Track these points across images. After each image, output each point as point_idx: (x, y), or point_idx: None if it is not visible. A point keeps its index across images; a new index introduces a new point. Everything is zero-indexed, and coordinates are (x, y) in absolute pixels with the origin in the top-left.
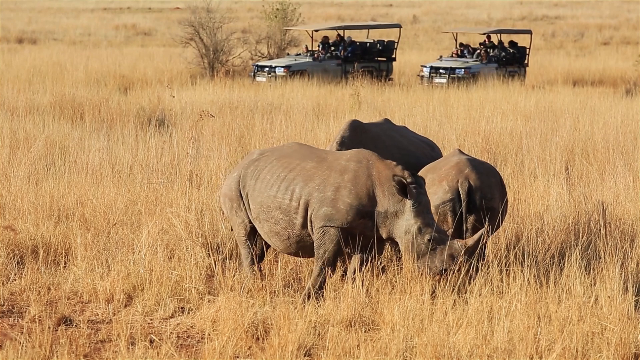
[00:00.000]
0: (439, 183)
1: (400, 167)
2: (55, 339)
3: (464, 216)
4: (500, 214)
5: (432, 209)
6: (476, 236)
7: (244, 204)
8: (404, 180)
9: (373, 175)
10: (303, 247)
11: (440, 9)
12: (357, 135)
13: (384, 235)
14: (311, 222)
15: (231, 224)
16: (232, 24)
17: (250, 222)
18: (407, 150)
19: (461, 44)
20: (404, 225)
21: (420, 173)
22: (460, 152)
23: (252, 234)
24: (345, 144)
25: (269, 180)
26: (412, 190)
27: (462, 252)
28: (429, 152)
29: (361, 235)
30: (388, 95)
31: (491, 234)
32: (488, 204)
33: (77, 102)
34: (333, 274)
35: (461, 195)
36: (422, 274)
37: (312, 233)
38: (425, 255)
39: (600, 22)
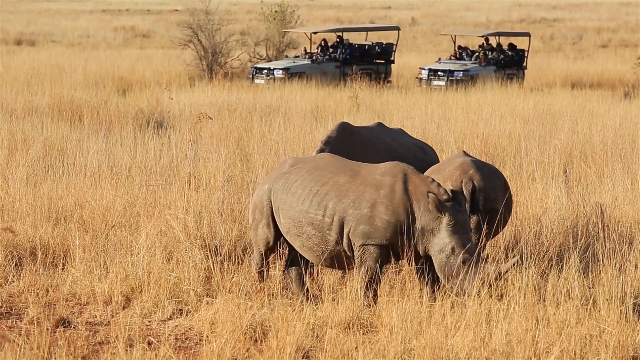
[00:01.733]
0: (443, 183)
1: (436, 183)
2: (53, 340)
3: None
4: (502, 216)
5: None
6: (510, 262)
7: (272, 218)
8: (439, 198)
9: (409, 190)
10: (339, 262)
11: (439, 11)
12: (345, 137)
13: (421, 252)
14: (348, 239)
15: (252, 234)
16: (230, 26)
17: (274, 239)
18: (398, 154)
19: (460, 47)
20: (439, 243)
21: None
22: (465, 153)
23: (272, 247)
24: (330, 144)
25: (301, 194)
26: (447, 207)
27: (495, 277)
28: (421, 155)
29: (400, 251)
30: (386, 97)
31: (493, 236)
32: (491, 205)
33: (76, 104)
34: (379, 287)
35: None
36: (452, 292)
37: (348, 249)
38: (458, 277)
39: (598, 25)
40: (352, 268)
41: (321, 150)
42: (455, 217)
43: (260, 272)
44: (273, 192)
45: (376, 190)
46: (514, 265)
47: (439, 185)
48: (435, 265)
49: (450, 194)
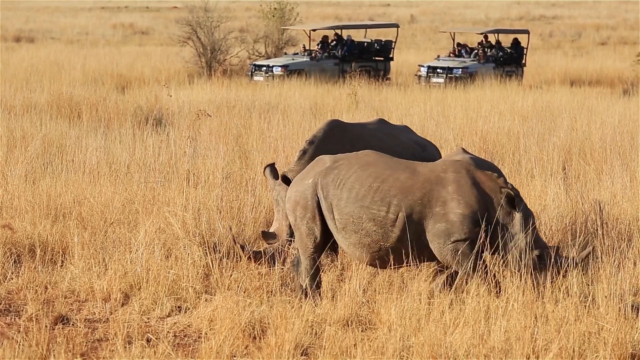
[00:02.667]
0: None
1: (502, 178)
2: (52, 337)
3: None
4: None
5: None
6: (585, 252)
7: (320, 213)
8: (512, 193)
9: (477, 184)
10: (393, 258)
11: (438, 8)
12: (332, 136)
13: (491, 247)
14: (417, 236)
15: (297, 233)
16: (229, 23)
17: (321, 233)
18: (392, 152)
19: (459, 44)
20: (512, 238)
21: None
22: (464, 151)
23: (321, 246)
24: (314, 143)
25: (359, 190)
26: (520, 203)
27: (572, 268)
28: (419, 153)
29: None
30: (385, 94)
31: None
32: None
33: (75, 101)
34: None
35: None
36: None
37: (415, 246)
38: (533, 271)
39: (597, 22)
40: (398, 266)
41: (304, 150)
42: (527, 212)
43: (316, 291)
44: (322, 187)
45: (443, 187)
46: (588, 255)
47: (505, 180)
48: (504, 260)
49: (514, 188)
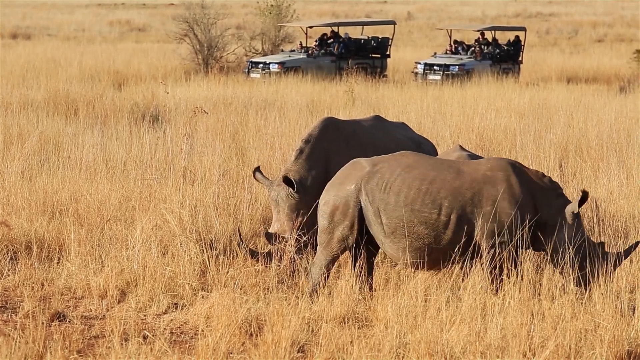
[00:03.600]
0: None
1: (548, 177)
2: (48, 334)
3: None
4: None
5: None
6: (631, 248)
7: (360, 222)
8: (587, 192)
9: (525, 184)
10: (442, 261)
11: (435, 5)
12: (327, 134)
13: (536, 247)
14: (469, 237)
15: (325, 235)
16: (226, 20)
17: (353, 241)
18: (386, 149)
19: (455, 41)
20: (563, 238)
21: None
22: (461, 148)
23: (343, 252)
24: (310, 141)
25: (407, 193)
26: (569, 202)
27: (618, 264)
28: (413, 150)
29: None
30: (382, 92)
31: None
32: None
33: (71, 98)
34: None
35: None
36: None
37: (467, 247)
38: (583, 269)
39: (594, 20)
40: (446, 266)
41: (301, 150)
42: (576, 211)
43: (315, 290)
44: (366, 192)
45: (493, 186)
46: (633, 249)
47: (551, 179)
48: (556, 260)
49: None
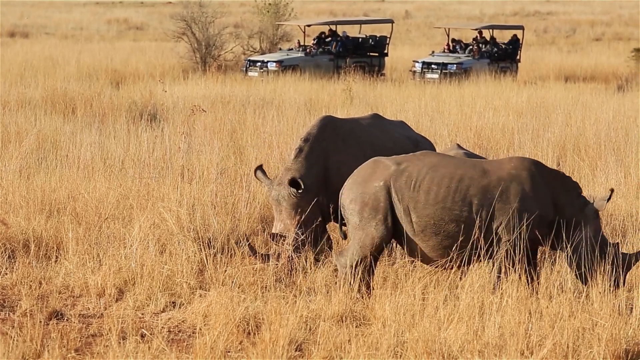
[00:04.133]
0: None
1: (569, 176)
2: (46, 333)
3: None
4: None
5: None
6: None
7: (392, 215)
8: (611, 192)
9: (549, 183)
10: (470, 258)
11: (433, 4)
12: (325, 133)
13: (556, 246)
14: (495, 234)
15: (358, 233)
16: (224, 19)
17: (387, 237)
18: (383, 147)
19: (453, 40)
20: (583, 237)
21: None
22: (459, 146)
23: (379, 249)
24: (309, 140)
25: (437, 191)
26: (589, 202)
27: (633, 264)
28: (411, 148)
29: (540, 245)
30: (380, 90)
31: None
32: None
33: (69, 96)
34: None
35: None
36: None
37: (496, 244)
38: (608, 267)
39: (592, 18)
40: (470, 264)
41: (300, 148)
42: (596, 211)
43: (367, 289)
44: (395, 190)
45: (519, 184)
46: None
47: (571, 178)
48: (574, 261)
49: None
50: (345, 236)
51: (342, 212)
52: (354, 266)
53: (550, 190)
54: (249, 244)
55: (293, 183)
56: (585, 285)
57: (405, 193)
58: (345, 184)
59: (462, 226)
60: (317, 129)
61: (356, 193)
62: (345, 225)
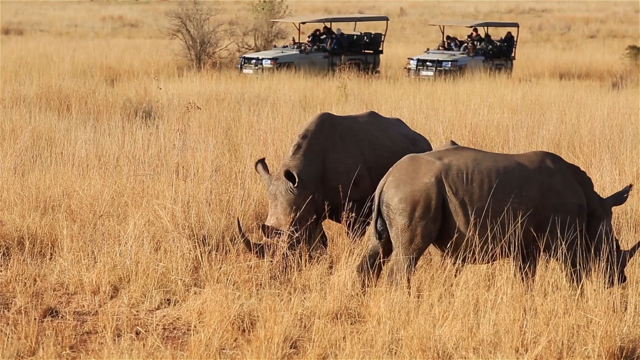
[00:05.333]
0: None
1: (583, 171)
2: (41, 330)
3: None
4: None
5: None
6: (635, 247)
7: (442, 213)
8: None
9: (575, 175)
10: (517, 251)
11: (428, 2)
12: (324, 130)
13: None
14: (537, 227)
15: (408, 233)
16: (219, 16)
17: (435, 234)
18: (381, 145)
19: (448, 37)
20: (603, 231)
21: None
22: (454, 143)
23: (425, 249)
24: (307, 137)
25: (489, 183)
26: (621, 194)
27: (628, 262)
28: (408, 147)
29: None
30: (375, 87)
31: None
32: None
33: (64, 93)
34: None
35: None
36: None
37: (537, 238)
38: (614, 264)
39: (587, 16)
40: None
41: (299, 145)
42: (612, 205)
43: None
44: (448, 184)
45: (551, 177)
46: (637, 248)
47: (585, 172)
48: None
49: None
50: (379, 237)
51: (386, 213)
52: (406, 270)
53: (578, 183)
54: (245, 237)
55: (289, 176)
56: (580, 282)
57: (460, 187)
58: (385, 184)
59: (513, 218)
60: (315, 125)
61: (405, 192)
62: (381, 226)
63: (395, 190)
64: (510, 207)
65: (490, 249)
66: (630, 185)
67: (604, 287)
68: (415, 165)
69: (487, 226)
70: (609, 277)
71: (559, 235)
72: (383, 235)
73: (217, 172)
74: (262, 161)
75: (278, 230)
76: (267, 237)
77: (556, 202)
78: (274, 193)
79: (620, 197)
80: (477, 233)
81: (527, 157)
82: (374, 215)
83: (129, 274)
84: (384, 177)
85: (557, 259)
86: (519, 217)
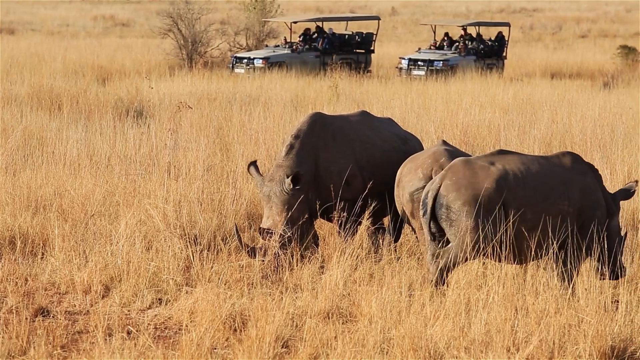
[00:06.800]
0: (415, 171)
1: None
2: (32, 330)
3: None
4: None
5: (407, 195)
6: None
7: (502, 216)
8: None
9: (595, 172)
10: (564, 253)
11: (419, 1)
12: (316, 129)
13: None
14: (582, 227)
15: (471, 235)
16: (210, 16)
17: (489, 239)
18: (373, 144)
19: (446, 34)
20: (615, 227)
21: (403, 163)
22: (445, 142)
23: (476, 253)
24: (300, 137)
25: (541, 187)
26: (628, 189)
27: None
28: (399, 146)
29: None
30: (366, 87)
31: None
32: None
33: (55, 93)
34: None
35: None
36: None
37: (580, 237)
38: (618, 259)
39: (578, 15)
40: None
41: (291, 145)
42: (620, 200)
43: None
44: (508, 189)
45: (584, 176)
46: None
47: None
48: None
49: None
50: (434, 237)
51: (446, 215)
52: (449, 268)
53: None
54: (238, 235)
55: (295, 179)
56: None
57: (519, 192)
58: (442, 187)
59: (565, 220)
60: (307, 125)
61: (467, 195)
62: (434, 227)
63: (456, 194)
64: (562, 209)
65: (546, 251)
66: (637, 181)
67: (609, 280)
68: (471, 169)
69: (540, 229)
70: (615, 270)
71: (597, 233)
72: (436, 236)
73: (209, 171)
74: (254, 163)
75: (276, 231)
76: (264, 240)
77: (594, 200)
78: (267, 194)
79: (627, 192)
80: (537, 236)
81: (559, 159)
82: (426, 218)
83: (120, 274)
84: (435, 181)
85: (591, 257)
86: (568, 219)
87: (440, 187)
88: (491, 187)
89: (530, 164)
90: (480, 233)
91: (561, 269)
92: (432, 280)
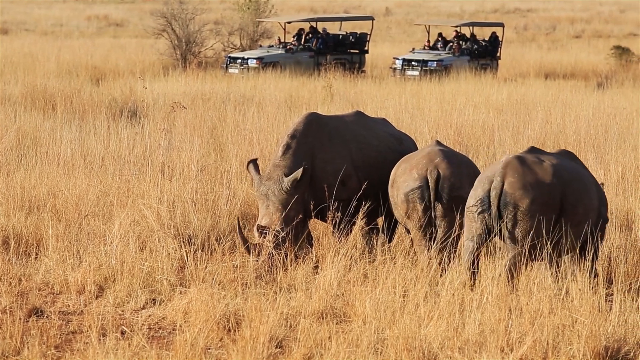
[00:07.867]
0: (409, 172)
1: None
2: (26, 330)
3: (432, 204)
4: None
5: (402, 196)
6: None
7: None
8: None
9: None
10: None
11: (413, 1)
12: (311, 129)
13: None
14: (595, 223)
15: (537, 231)
16: (204, 16)
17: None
18: (368, 144)
19: (440, 34)
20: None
21: (397, 163)
22: (439, 143)
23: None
24: (296, 137)
25: (590, 190)
26: None
27: None
28: (395, 146)
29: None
30: (360, 87)
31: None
32: (456, 192)
33: (49, 93)
34: None
35: (430, 184)
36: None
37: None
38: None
39: (572, 16)
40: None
41: (288, 145)
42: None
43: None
44: (562, 185)
45: (590, 173)
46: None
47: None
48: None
49: None
50: (487, 238)
51: (513, 214)
52: (515, 266)
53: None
54: (240, 231)
55: (304, 171)
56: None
57: (567, 188)
58: (506, 185)
59: (598, 217)
60: (303, 125)
61: (536, 193)
62: (506, 225)
63: (524, 192)
64: (595, 203)
65: (589, 249)
66: (602, 184)
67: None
68: (528, 167)
69: (582, 228)
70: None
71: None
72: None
73: (203, 171)
74: (254, 161)
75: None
76: (261, 237)
77: (603, 196)
78: (265, 193)
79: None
80: (584, 231)
81: (570, 156)
82: (493, 216)
83: (114, 274)
84: (495, 179)
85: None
86: (595, 214)
87: (503, 185)
88: (552, 184)
89: (567, 163)
90: (544, 229)
91: (588, 265)
92: (466, 281)
